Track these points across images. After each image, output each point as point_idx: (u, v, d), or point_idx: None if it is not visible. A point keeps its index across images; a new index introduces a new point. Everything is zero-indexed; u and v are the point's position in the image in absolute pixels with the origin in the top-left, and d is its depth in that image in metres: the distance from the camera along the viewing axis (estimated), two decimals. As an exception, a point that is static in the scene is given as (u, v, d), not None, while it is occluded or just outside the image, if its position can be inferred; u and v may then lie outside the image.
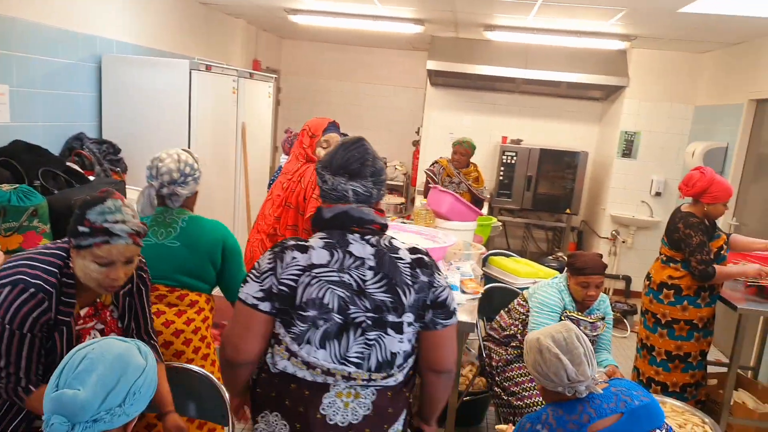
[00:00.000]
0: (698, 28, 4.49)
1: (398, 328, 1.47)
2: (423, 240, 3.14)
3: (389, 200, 6.47)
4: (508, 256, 3.87)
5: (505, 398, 2.76)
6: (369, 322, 1.45)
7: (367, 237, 1.50)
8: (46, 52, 3.35)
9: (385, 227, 1.55)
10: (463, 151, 4.92)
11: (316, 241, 1.50)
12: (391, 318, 1.46)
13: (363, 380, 1.46)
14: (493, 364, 2.86)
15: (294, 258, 1.46)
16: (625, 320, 5.08)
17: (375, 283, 1.46)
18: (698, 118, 5.61)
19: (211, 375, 1.92)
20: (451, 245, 3.13)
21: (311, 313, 1.44)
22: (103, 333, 1.63)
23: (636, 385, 1.75)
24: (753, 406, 3.38)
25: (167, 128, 3.88)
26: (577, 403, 1.64)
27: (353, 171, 1.51)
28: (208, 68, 4.06)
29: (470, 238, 3.70)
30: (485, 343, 2.99)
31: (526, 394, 2.67)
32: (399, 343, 1.47)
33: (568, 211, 6.04)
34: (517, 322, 2.81)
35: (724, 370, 3.50)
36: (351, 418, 1.47)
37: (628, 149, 5.84)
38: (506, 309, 2.95)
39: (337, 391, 1.46)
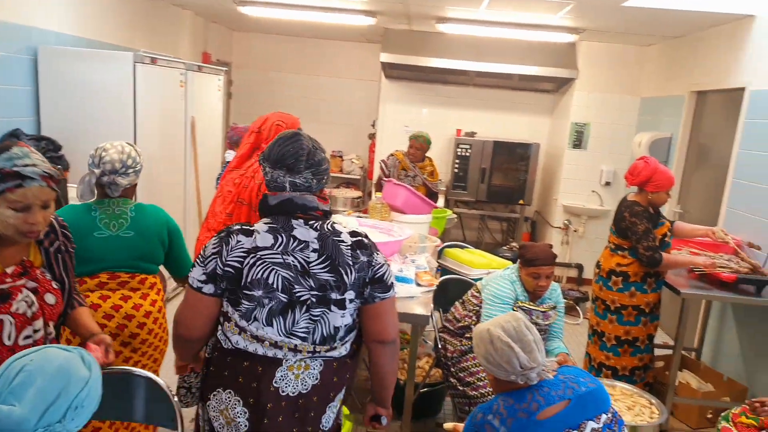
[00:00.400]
0: (641, 22, 4.63)
1: (341, 305, 1.59)
2: (378, 234, 3.13)
3: (346, 194, 6.43)
4: (462, 247, 3.91)
5: (461, 389, 2.78)
6: (314, 299, 1.56)
7: (310, 222, 1.60)
8: (-25, 43, 3.17)
9: (328, 213, 1.66)
10: (419, 145, 4.95)
11: (261, 225, 1.60)
12: (334, 296, 1.57)
13: (308, 352, 1.57)
14: (449, 355, 2.88)
15: (239, 241, 1.56)
16: (577, 307, 5.22)
17: (319, 264, 1.57)
18: (644, 110, 5.79)
19: (158, 378, 1.86)
20: (406, 238, 3.14)
21: (256, 292, 1.53)
22: (35, 292, 1.60)
23: (584, 372, 1.79)
24: (696, 386, 3.53)
25: (111, 123, 3.75)
26: (526, 392, 1.67)
27: (289, 166, 1.60)
28: (153, 61, 3.93)
29: (425, 230, 3.72)
30: (440, 334, 3.00)
31: (481, 384, 2.70)
32: (341, 318, 1.59)
33: (521, 202, 6.16)
34: (471, 314, 2.84)
35: (670, 352, 3.64)
36: (301, 388, 1.58)
37: (578, 140, 5.98)
38: (461, 300, 2.97)
39: (288, 365, 1.56)
